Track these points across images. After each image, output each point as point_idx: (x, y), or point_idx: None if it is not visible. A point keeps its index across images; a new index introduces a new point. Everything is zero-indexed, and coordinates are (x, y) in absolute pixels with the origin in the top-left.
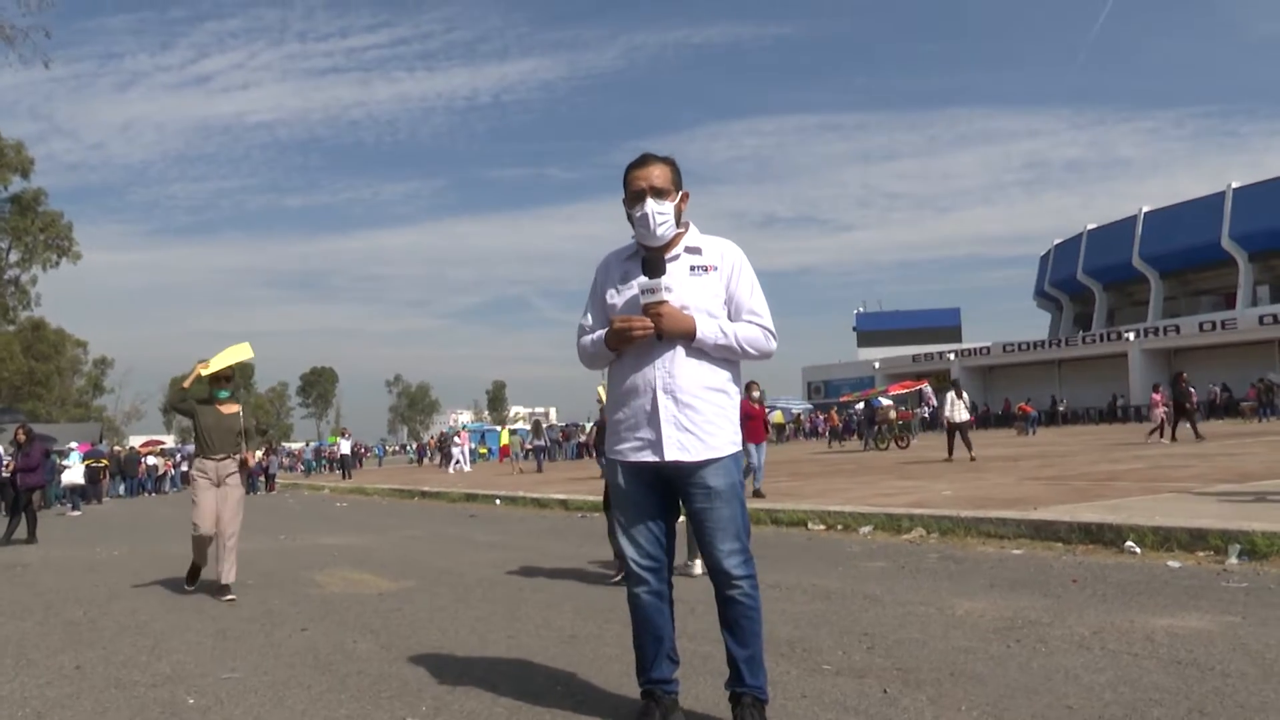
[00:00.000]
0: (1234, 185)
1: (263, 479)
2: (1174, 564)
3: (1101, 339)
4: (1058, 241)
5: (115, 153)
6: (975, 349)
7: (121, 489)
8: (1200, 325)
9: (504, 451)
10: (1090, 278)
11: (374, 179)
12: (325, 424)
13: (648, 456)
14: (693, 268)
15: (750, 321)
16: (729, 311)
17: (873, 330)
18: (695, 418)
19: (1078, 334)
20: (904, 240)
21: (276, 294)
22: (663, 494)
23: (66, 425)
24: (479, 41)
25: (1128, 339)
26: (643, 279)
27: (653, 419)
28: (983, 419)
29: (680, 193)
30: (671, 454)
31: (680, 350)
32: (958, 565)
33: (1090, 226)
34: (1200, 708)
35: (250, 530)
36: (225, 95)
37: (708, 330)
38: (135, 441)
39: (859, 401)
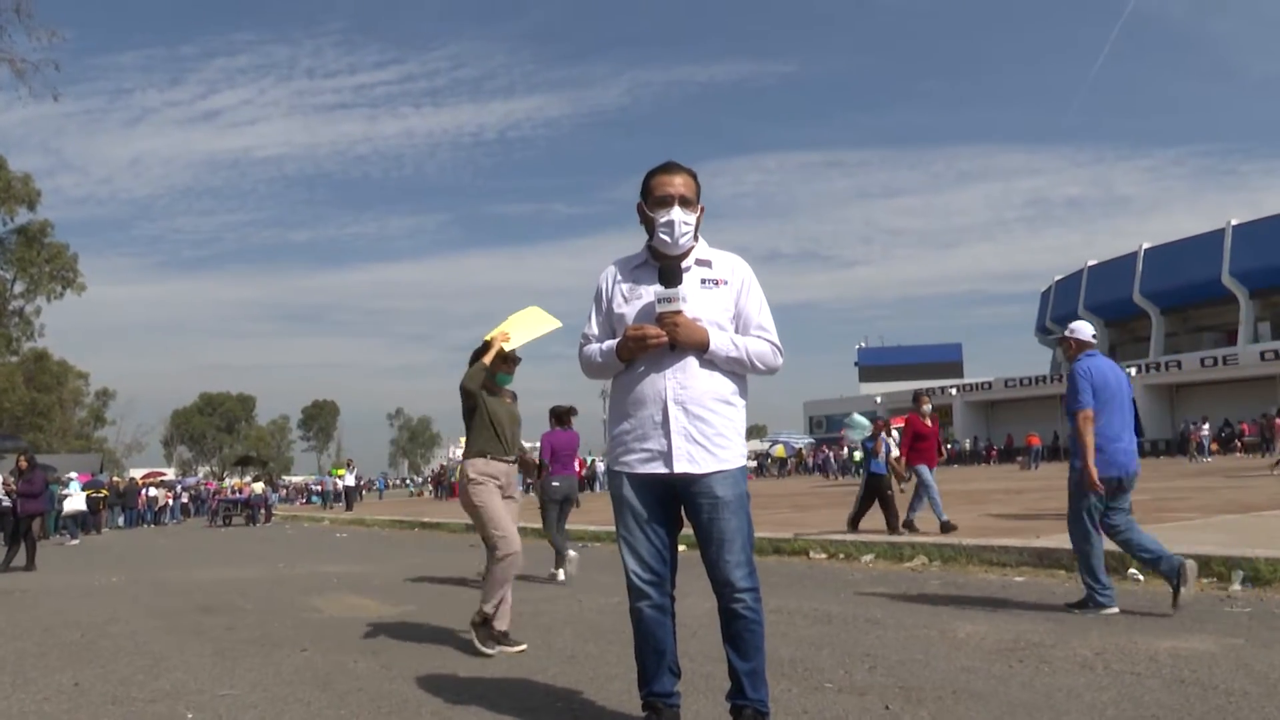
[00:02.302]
0: (1234, 222)
1: (262, 510)
2: None
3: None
4: (1059, 278)
5: (122, 187)
6: (977, 384)
7: (121, 520)
8: (1202, 361)
9: None
10: (1091, 314)
11: (380, 213)
12: (326, 457)
13: (657, 468)
14: (704, 280)
15: (759, 337)
16: (736, 326)
17: (874, 365)
18: (705, 429)
19: None
20: (906, 276)
21: (280, 327)
22: (668, 506)
23: (67, 456)
24: (485, 79)
25: (1130, 374)
26: (659, 288)
27: (662, 430)
28: (985, 454)
29: (700, 206)
30: (681, 466)
31: (693, 361)
32: (960, 591)
33: (1091, 263)
34: None
35: (248, 559)
36: (233, 130)
37: (720, 342)
38: (136, 474)
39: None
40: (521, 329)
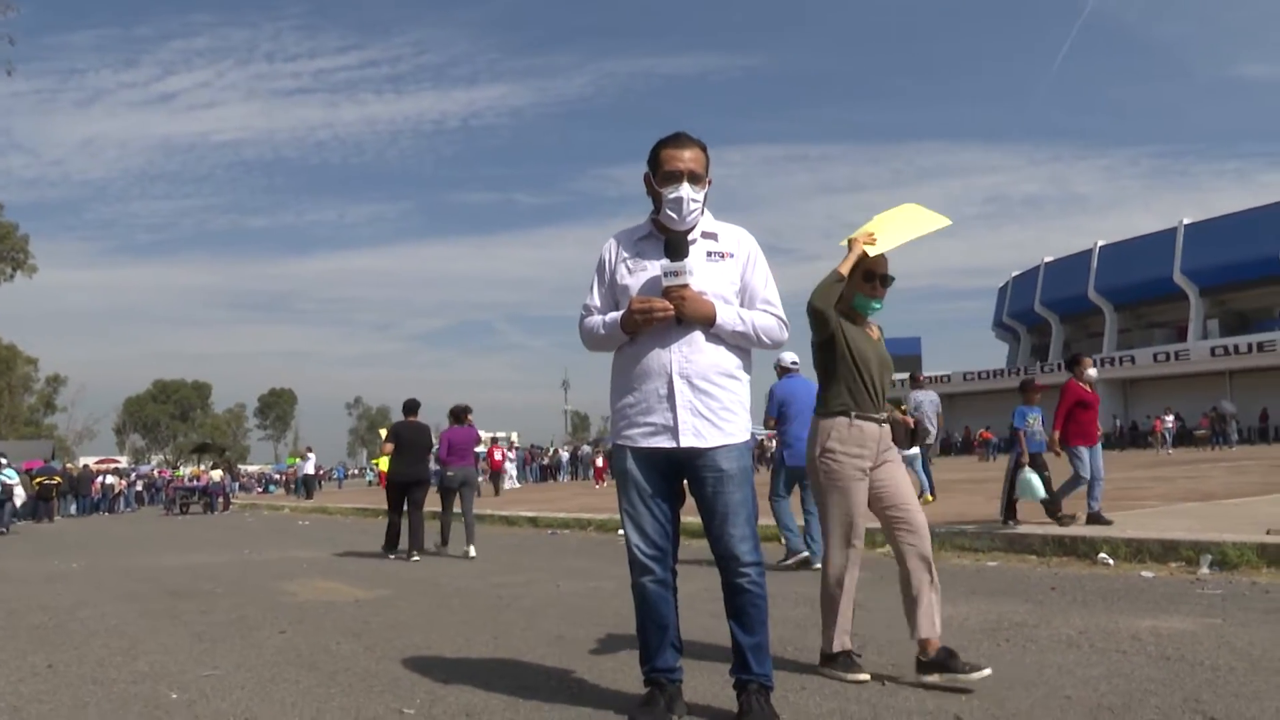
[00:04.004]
0: (1185, 221)
1: (220, 498)
2: (1147, 574)
3: (1059, 369)
4: (1016, 274)
5: (75, 169)
6: (936, 377)
7: (74, 508)
8: (1155, 356)
9: None
10: (1047, 309)
11: (340, 201)
12: (284, 446)
13: (662, 442)
14: (710, 253)
15: (765, 311)
16: (741, 300)
17: None
18: (711, 404)
19: (1036, 364)
20: None
21: (237, 315)
22: (672, 481)
23: (16, 443)
24: (449, 66)
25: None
26: (666, 261)
27: (668, 404)
28: (945, 446)
29: (708, 180)
30: (687, 440)
31: (699, 334)
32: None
33: (1047, 259)
34: (1195, 696)
35: (212, 546)
36: (190, 114)
37: (727, 316)
38: (88, 461)
39: None
40: (893, 229)
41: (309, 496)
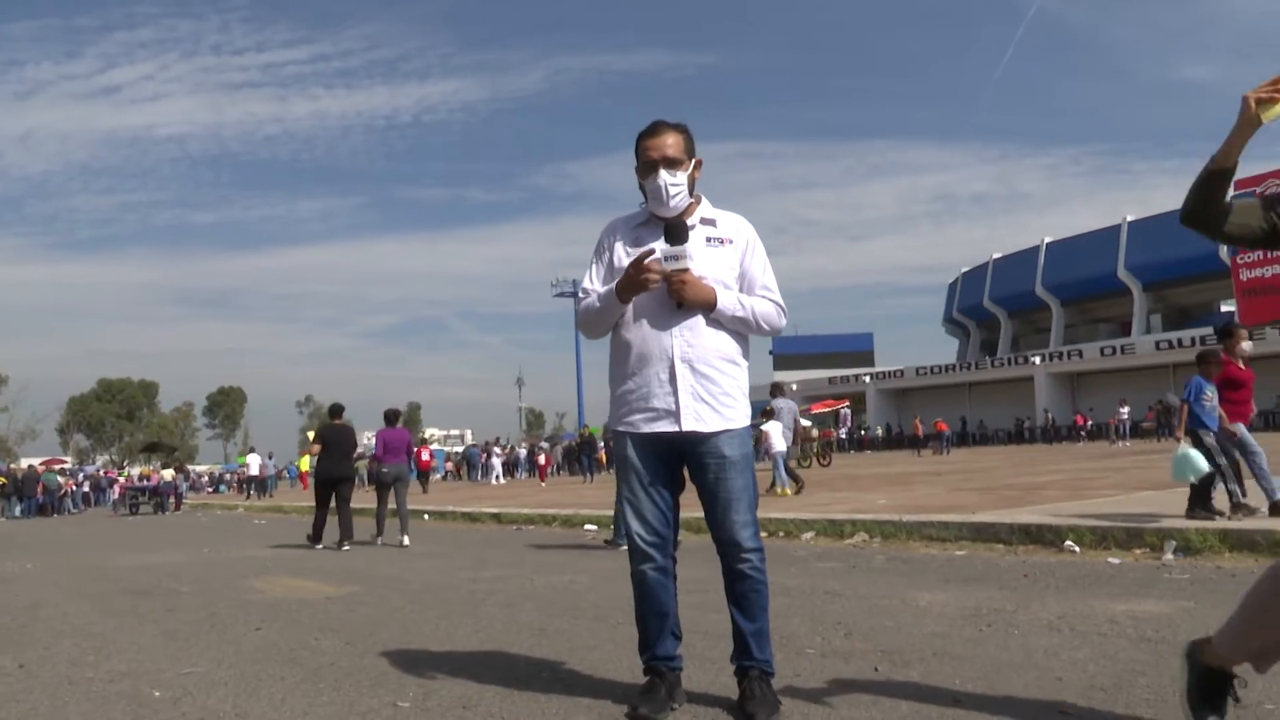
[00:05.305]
0: (1129, 219)
1: (172, 498)
2: (1114, 560)
3: (1009, 363)
4: (965, 270)
5: (14, 163)
6: (889, 372)
7: (18, 510)
8: (1101, 350)
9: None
10: (996, 305)
11: (289, 196)
12: (233, 445)
13: (664, 427)
14: (709, 239)
15: (764, 297)
16: (740, 286)
17: (789, 354)
18: (712, 389)
19: (986, 358)
20: (818, 267)
21: (184, 311)
22: (671, 467)
23: None
24: (400, 60)
25: (1034, 363)
26: (665, 245)
27: (670, 388)
28: (896, 439)
29: (694, 160)
30: (689, 424)
31: (700, 319)
32: (906, 565)
33: (996, 256)
34: None
35: (167, 545)
36: (134, 107)
37: (727, 301)
38: (32, 462)
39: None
40: None
41: (261, 495)
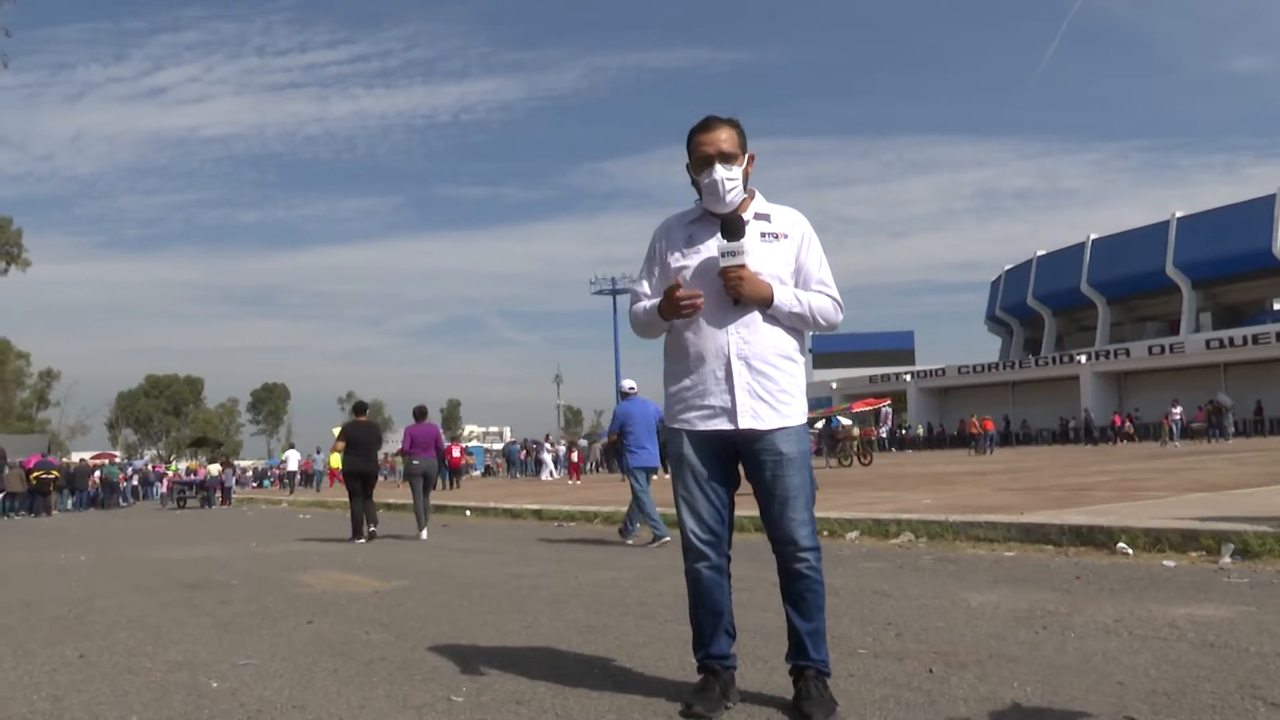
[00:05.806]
0: (1178, 215)
1: (218, 493)
2: (1169, 563)
3: (1054, 362)
4: (1008, 267)
5: (64, 164)
6: (930, 370)
7: (70, 503)
8: (1150, 349)
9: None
10: (1040, 303)
11: (330, 195)
12: (276, 441)
13: (721, 425)
14: (764, 234)
15: (820, 292)
16: (796, 281)
17: (829, 352)
18: (769, 385)
19: (1029, 357)
20: (857, 265)
21: (228, 309)
22: (727, 465)
23: (9, 437)
24: (439, 60)
25: (1079, 362)
26: (723, 241)
27: (726, 386)
28: (939, 439)
29: (747, 155)
30: (746, 422)
31: (756, 316)
32: (955, 565)
33: (1040, 253)
34: (1249, 682)
35: (215, 539)
36: (180, 108)
37: (784, 297)
38: (84, 456)
39: (820, 420)
40: None
41: (302, 489)
